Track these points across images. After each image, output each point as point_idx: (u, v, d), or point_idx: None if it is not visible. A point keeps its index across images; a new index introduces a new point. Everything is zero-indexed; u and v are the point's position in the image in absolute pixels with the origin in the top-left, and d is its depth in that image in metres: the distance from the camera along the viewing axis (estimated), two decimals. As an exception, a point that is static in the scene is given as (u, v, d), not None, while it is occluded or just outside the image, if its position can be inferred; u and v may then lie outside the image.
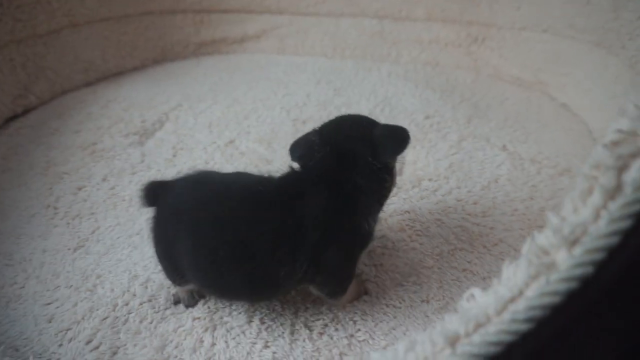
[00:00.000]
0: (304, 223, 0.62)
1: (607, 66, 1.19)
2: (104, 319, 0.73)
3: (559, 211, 0.39)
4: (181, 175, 0.71)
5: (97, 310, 0.75)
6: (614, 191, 0.35)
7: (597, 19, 1.24)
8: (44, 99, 1.40)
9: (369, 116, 0.75)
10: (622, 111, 0.39)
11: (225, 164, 1.10)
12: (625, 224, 0.34)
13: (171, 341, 0.69)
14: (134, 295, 0.76)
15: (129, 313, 0.74)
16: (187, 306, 0.74)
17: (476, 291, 0.41)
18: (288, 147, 0.71)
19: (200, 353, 0.67)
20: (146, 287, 0.78)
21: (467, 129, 1.23)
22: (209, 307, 0.73)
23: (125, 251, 0.86)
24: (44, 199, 1.00)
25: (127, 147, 1.17)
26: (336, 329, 0.69)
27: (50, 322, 0.73)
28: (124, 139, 1.21)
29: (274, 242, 0.61)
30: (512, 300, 0.37)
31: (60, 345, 0.70)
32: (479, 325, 0.37)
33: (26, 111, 1.34)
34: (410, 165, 1.08)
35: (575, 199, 0.37)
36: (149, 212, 0.93)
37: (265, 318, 0.71)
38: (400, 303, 0.73)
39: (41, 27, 1.39)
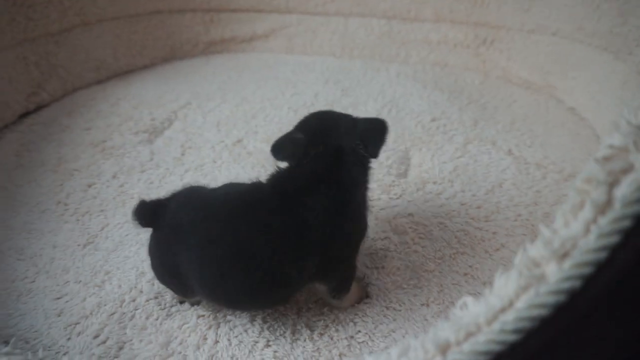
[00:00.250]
0: (309, 221, 0.63)
1: (614, 71, 1.18)
2: (112, 314, 0.75)
3: (551, 223, 0.40)
4: (172, 192, 0.71)
5: (105, 305, 0.77)
6: (605, 206, 0.36)
7: (605, 24, 1.23)
8: (56, 96, 1.43)
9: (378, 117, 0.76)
10: (615, 126, 0.40)
11: (233, 164, 1.12)
12: (613, 239, 0.35)
13: (176, 337, 0.71)
14: (141, 291, 0.78)
15: (136, 309, 0.76)
16: (192, 304, 0.76)
17: (469, 299, 0.42)
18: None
19: (203, 350, 0.69)
20: (153, 284, 0.80)
21: (473, 131, 1.23)
22: (213, 305, 0.75)
23: (133, 248, 0.88)
24: (54, 195, 1.02)
25: (136, 145, 1.19)
26: (337, 330, 0.71)
27: (59, 316, 0.76)
28: (134, 136, 1.23)
29: (283, 244, 0.62)
30: (503, 310, 0.38)
31: (69, 339, 0.72)
32: (469, 334, 0.38)
33: (38, 108, 1.37)
34: (416, 168, 1.09)
35: (567, 212, 0.38)
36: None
37: (268, 317, 0.73)
38: (400, 306, 0.74)
39: (53, 25, 1.41)
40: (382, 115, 1.31)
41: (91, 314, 0.75)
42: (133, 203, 0.99)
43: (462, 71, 1.62)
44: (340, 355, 0.68)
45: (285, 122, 1.28)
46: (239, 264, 0.61)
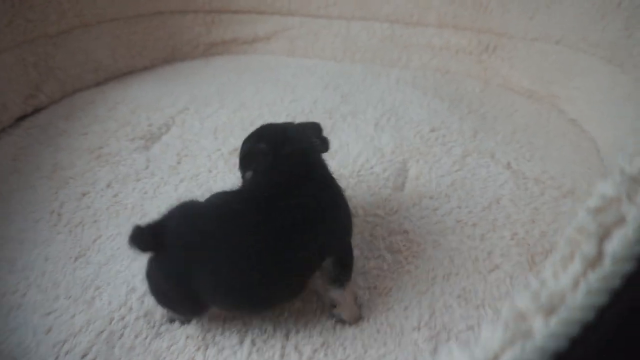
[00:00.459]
0: (309, 215, 0.68)
1: (618, 84, 1.16)
2: (100, 332, 0.75)
3: (541, 274, 0.39)
4: (166, 212, 0.69)
5: (94, 323, 0.76)
6: (594, 260, 0.35)
7: (610, 35, 1.21)
8: (54, 98, 1.42)
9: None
10: (608, 174, 0.39)
11: (228, 174, 1.11)
12: (601, 298, 0.34)
13: (164, 359, 0.71)
14: (131, 309, 0.78)
15: (125, 327, 0.75)
16: (182, 322, 0.75)
17: (454, 348, 0.41)
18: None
19: (191, 372, 0.69)
20: (142, 302, 0.79)
21: (472, 142, 1.22)
22: (202, 326, 0.74)
23: (125, 262, 0.87)
24: (49, 204, 1.02)
25: (132, 152, 1.18)
26: (325, 354, 0.70)
27: (48, 333, 0.75)
28: (130, 143, 1.22)
29: (293, 239, 0.66)
30: (487, 364, 0.37)
31: (57, 357, 0.72)
32: (452, 387, 0.37)
33: (36, 111, 1.36)
34: (413, 181, 1.08)
35: (557, 263, 0.37)
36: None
37: (257, 339, 0.72)
38: (391, 329, 0.73)
39: (52, 27, 1.40)
40: (381, 125, 1.30)
41: (80, 331, 0.75)
42: (126, 214, 1.00)
43: (464, 78, 1.60)
44: (329, 380, 0.67)
45: (283, 129, 1.27)
46: (262, 266, 0.64)
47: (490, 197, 1.02)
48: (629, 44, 1.13)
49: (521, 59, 1.51)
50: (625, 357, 0.35)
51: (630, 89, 1.12)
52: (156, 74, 1.63)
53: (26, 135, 1.27)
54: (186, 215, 0.69)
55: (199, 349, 0.71)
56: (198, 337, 0.73)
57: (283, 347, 0.71)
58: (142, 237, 0.65)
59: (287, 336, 0.73)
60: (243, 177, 0.82)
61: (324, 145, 0.83)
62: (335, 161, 1.13)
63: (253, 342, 0.72)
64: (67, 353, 0.72)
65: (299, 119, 1.32)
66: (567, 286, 0.36)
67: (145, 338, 0.73)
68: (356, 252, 0.87)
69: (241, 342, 0.72)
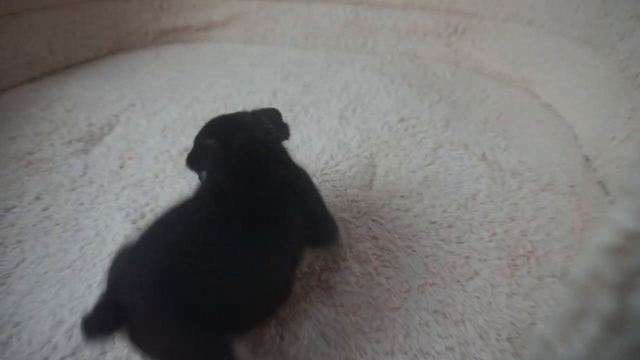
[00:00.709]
0: (284, 199, 0.63)
1: (595, 67, 1.09)
2: (19, 379, 0.63)
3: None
4: (107, 274, 0.54)
5: (11, 368, 0.64)
6: (616, 323, 0.26)
7: (585, 14, 1.14)
8: (-20, 97, 1.26)
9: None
10: (626, 195, 0.29)
11: (178, 178, 0.99)
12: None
13: (95, 408, 0.60)
14: (55, 347, 0.66)
15: (48, 371, 0.64)
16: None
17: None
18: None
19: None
20: (70, 337, 0.67)
21: (444, 133, 1.13)
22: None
23: (52, 289, 0.75)
24: (-33, 222, 0.88)
25: (68, 157, 1.05)
26: (285, 392, 0.61)
27: (-45, 384, 0.63)
28: (66, 146, 1.08)
29: (281, 216, 0.62)
30: None
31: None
32: None
33: (-41, 112, 1.21)
34: (382, 178, 0.98)
35: (564, 320, 0.28)
36: (83, 240, 0.84)
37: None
38: (361, 356, 0.64)
39: (-28, 17, 1.24)
40: (346, 116, 1.20)
41: (-7, 381, 0.63)
42: (56, 231, 0.86)
43: (433, 62, 1.51)
44: (290, 422, 0.58)
45: (239, 125, 1.15)
46: (255, 265, 0.57)
47: (465, 193, 0.94)
48: (606, 24, 1.06)
49: (492, 41, 1.43)
50: None
51: (607, 71, 1.05)
52: (99, 67, 1.48)
53: (-54, 141, 1.12)
54: (145, 260, 0.52)
55: (136, 394, 0.60)
56: (135, 379, 0.62)
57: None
58: (100, 320, 0.50)
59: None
60: (199, 177, 0.74)
61: (283, 131, 0.77)
62: (297, 158, 1.02)
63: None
64: (-25, 409, 0.60)
65: (257, 112, 1.21)
66: (582, 354, 0.27)
67: (73, 384, 0.62)
68: (319, 264, 0.78)
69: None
